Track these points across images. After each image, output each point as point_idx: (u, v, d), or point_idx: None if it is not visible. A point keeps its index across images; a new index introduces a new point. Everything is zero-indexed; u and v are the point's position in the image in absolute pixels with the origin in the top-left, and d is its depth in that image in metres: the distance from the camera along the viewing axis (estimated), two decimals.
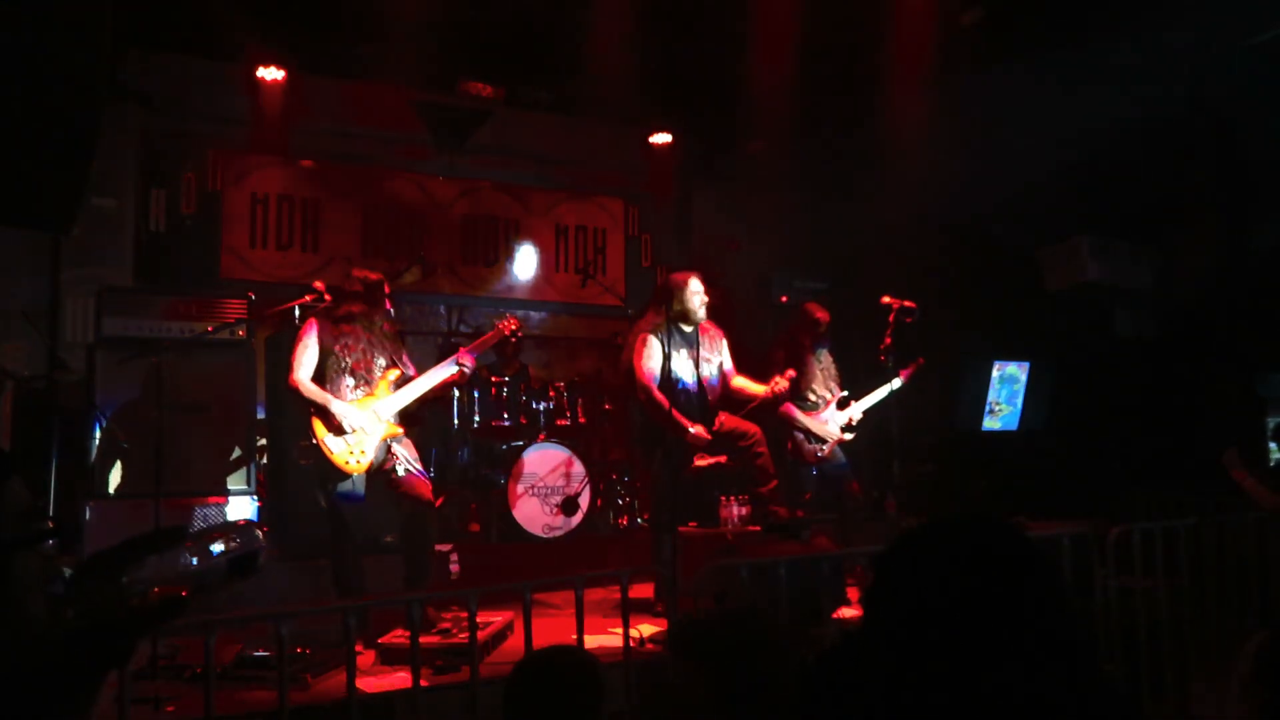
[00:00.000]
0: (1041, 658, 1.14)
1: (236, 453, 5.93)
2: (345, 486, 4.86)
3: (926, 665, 1.15)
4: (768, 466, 5.60)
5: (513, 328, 5.50)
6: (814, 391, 6.41)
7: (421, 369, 5.24)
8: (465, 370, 5.15)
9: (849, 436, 6.45)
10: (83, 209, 5.13)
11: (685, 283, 5.54)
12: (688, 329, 5.56)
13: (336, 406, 4.83)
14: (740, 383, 5.70)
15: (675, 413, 5.32)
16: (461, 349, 5.28)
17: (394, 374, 5.05)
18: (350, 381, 4.94)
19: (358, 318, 5.03)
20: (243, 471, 5.93)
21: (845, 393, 6.40)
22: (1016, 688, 1.12)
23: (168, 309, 5.89)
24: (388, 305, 5.20)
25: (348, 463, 4.82)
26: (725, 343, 5.76)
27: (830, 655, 1.29)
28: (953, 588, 1.17)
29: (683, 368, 5.43)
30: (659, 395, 5.35)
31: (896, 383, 6.35)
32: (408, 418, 5.19)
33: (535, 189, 9.11)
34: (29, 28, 4.19)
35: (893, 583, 1.23)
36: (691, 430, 5.34)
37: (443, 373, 5.12)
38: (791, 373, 5.63)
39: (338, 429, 4.82)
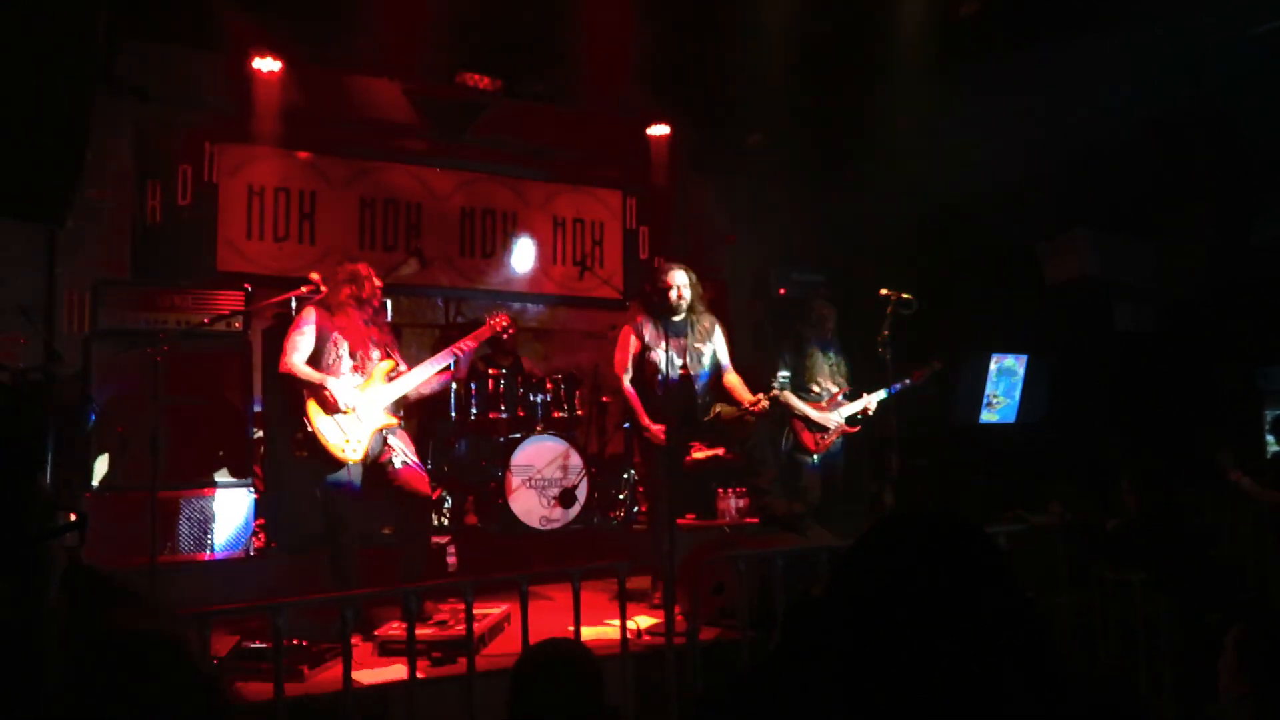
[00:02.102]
0: (992, 650, 1.15)
1: (233, 445, 5.92)
2: (340, 475, 4.84)
3: (879, 656, 1.16)
4: (765, 459, 5.58)
5: (503, 324, 5.48)
6: (818, 384, 6.44)
7: (418, 361, 5.22)
8: (460, 361, 5.15)
9: (854, 428, 6.45)
10: (77, 201, 5.13)
11: (667, 275, 5.53)
12: (676, 320, 5.54)
13: (332, 383, 4.81)
14: (732, 381, 5.67)
15: (639, 408, 5.43)
16: (456, 343, 5.25)
17: (388, 365, 5.04)
18: (348, 369, 4.93)
19: (353, 307, 5.01)
20: (240, 464, 5.92)
21: (850, 388, 6.44)
22: (968, 680, 1.12)
23: (164, 301, 5.89)
24: (378, 288, 5.17)
25: (343, 451, 4.80)
26: (722, 334, 5.73)
27: (801, 620, 1.30)
28: (902, 580, 1.19)
29: (666, 360, 5.39)
30: (627, 389, 5.50)
31: (907, 381, 6.36)
32: (401, 407, 5.18)
33: (532, 181, 9.08)
34: (22, 19, 4.16)
35: (851, 574, 1.25)
36: (649, 428, 5.35)
37: (438, 364, 5.11)
38: (765, 404, 5.56)
39: (333, 409, 4.79)
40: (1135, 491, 4.93)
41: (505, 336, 5.56)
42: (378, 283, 5.16)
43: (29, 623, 1.01)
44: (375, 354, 5.04)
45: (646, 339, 5.50)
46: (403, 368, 5.15)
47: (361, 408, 4.87)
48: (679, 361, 5.48)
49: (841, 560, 1.27)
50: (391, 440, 4.95)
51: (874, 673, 1.16)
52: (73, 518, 1.12)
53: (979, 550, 1.21)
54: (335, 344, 4.93)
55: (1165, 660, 4.56)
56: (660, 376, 5.38)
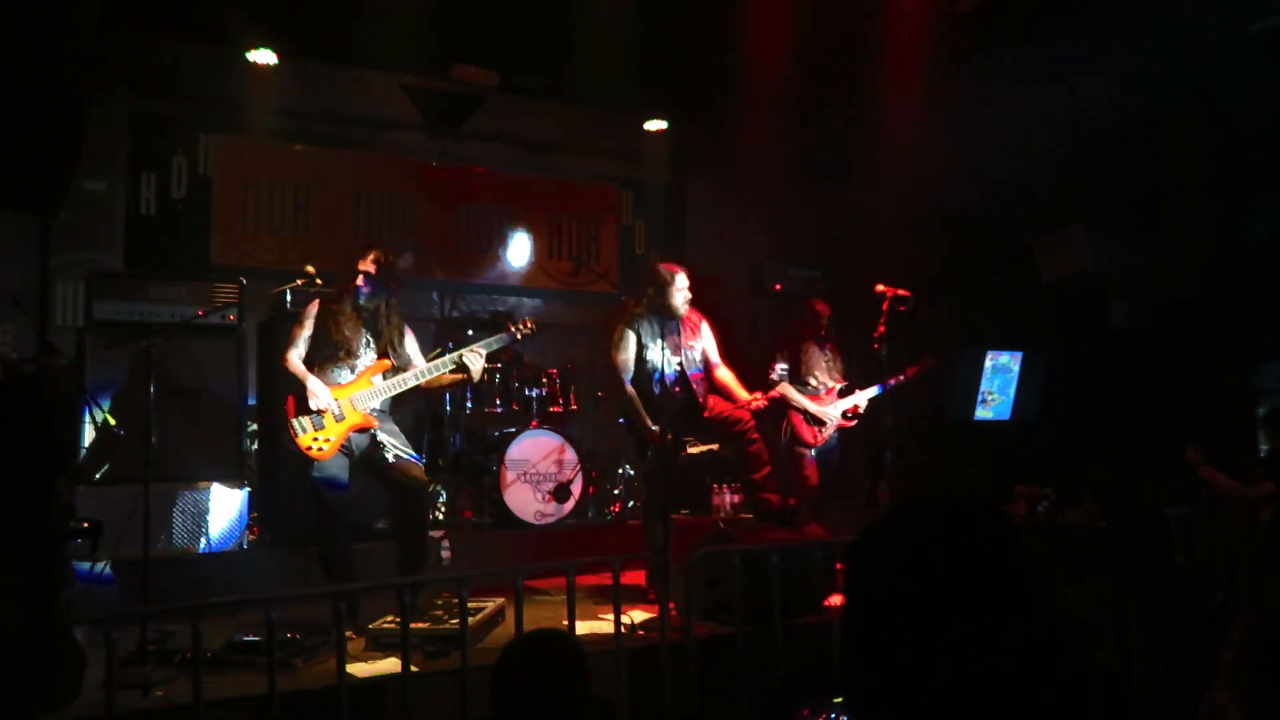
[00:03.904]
0: (1020, 642, 1.11)
1: (227, 438, 5.90)
2: (328, 471, 4.82)
3: (901, 651, 1.12)
4: (761, 454, 5.58)
5: (526, 333, 5.35)
6: (815, 378, 6.43)
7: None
8: (471, 367, 4.99)
9: (851, 423, 6.45)
10: (71, 192, 5.11)
11: (672, 278, 5.50)
12: (671, 320, 5.53)
13: (311, 384, 4.78)
14: (725, 376, 5.66)
15: (642, 411, 5.40)
16: (469, 350, 5.03)
17: (384, 364, 4.95)
18: (336, 367, 4.89)
19: (358, 302, 4.96)
20: (233, 457, 5.90)
21: (847, 383, 6.45)
22: (994, 674, 1.09)
23: (158, 293, 5.86)
24: (391, 285, 5.06)
25: (310, 448, 4.75)
26: (708, 329, 5.72)
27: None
28: (924, 570, 1.14)
29: (662, 358, 5.37)
30: (629, 390, 5.46)
31: (901, 377, 6.36)
32: (394, 402, 5.11)
33: (529, 175, 9.06)
34: (17, 10, 4.15)
35: (866, 568, 1.20)
36: (650, 428, 5.35)
37: (440, 370, 5.00)
38: (762, 403, 5.58)
39: (305, 409, 4.76)
40: (1095, 501, 5.00)
41: (520, 336, 5.41)
42: (366, 267, 4.97)
43: (44, 617, 1.02)
44: (368, 352, 4.97)
45: (644, 338, 5.50)
46: (412, 360, 5.07)
47: (339, 408, 4.81)
48: (676, 360, 5.47)
49: (854, 548, 1.23)
50: (381, 436, 4.90)
51: (889, 665, 1.12)
52: (85, 525, 1.13)
53: (1000, 534, 1.16)
54: (332, 339, 4.90)
55: (1160, 655, 4.58)
56: (657, 376, 5.37)
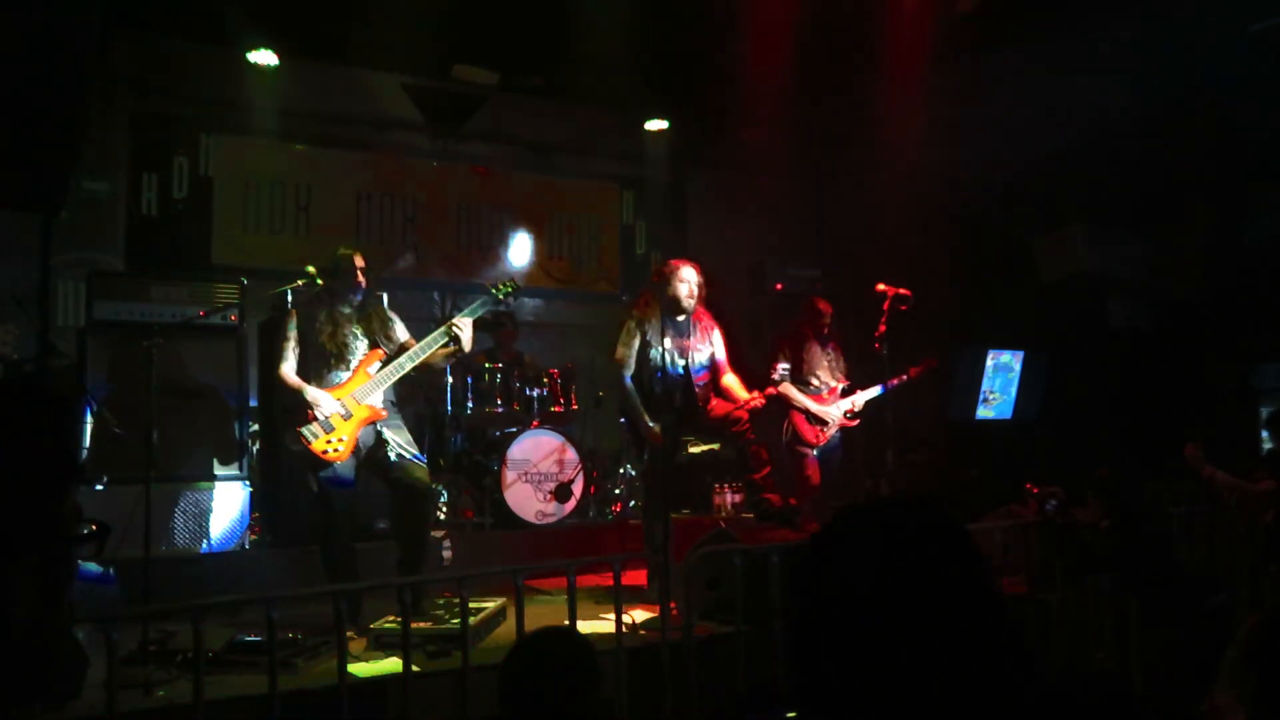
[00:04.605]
0: (963, 641, 1.12)
1: (228, 438, 5.91)
2: (333, 470, 4.82)
3: (845, 649, 1.14)
4: (761, 453, 5.58)
5: (506, 290, 5.25)
6: (817, 378, 6.44)
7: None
8: (460, 336, 4.97)
9: (853, 422, 6.46)
10: (72, 191, 5.11)
11: (676, 270, 5.50)
12: (679, 318, 5.52)
13: (309, 394, 4.78)
14: (730, 382, 5.66)
15: (639, 407, 5.41)
16: (455, 320, 5.02)
17: (377, 354, 4.95)
18: (329, 368, 4.88)
19: (340, 301, 4.96)
20: (234, 457, 5.91)
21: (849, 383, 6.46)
22: (936, 672, 1.10)
23: (159, 293, 5.87)
24: (359, 283, 5.03)
25: (326, 452, 4.76)
26: (719, 334, 5.72)
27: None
28: (867, 570, 1.16)
29: (669, 357, 5.37)
30: (627, 385, 5.48)
31: (903, 377, 6.36)
32: (399, 393, 5.11)
33: (530, 175, 9.06)
34: (17, 9, 4.15)
35: (814, 567, 1.22)
36: (648, 426, 5.35)
37: (432, 346, 5.00)
38: (762, 400, 5.59)
39: (310, 418, 4.76)
40: (1097, 499, 5.01)
41: (500, 296, 5.34)
42: (359, 264, 5.02)
43: (48, 619, 1.04)
44: (360, 346, 4.97)
45: (649, 335, 5.49)
46: (404, 341, 5.07)
47: (344, 407, 4.81)
48: (680, 362, 5.47)
49: (805, 554, 1.24)
50: (386, 434, 4.90)
51: (834, 668, 1.13)
52: (94, 527, 1.14)
53: (941, 537, 1.17)
54: (318, 346, 4.89)
55: (1159, 655, 4.58)
56: (659, 374, 5.36)
